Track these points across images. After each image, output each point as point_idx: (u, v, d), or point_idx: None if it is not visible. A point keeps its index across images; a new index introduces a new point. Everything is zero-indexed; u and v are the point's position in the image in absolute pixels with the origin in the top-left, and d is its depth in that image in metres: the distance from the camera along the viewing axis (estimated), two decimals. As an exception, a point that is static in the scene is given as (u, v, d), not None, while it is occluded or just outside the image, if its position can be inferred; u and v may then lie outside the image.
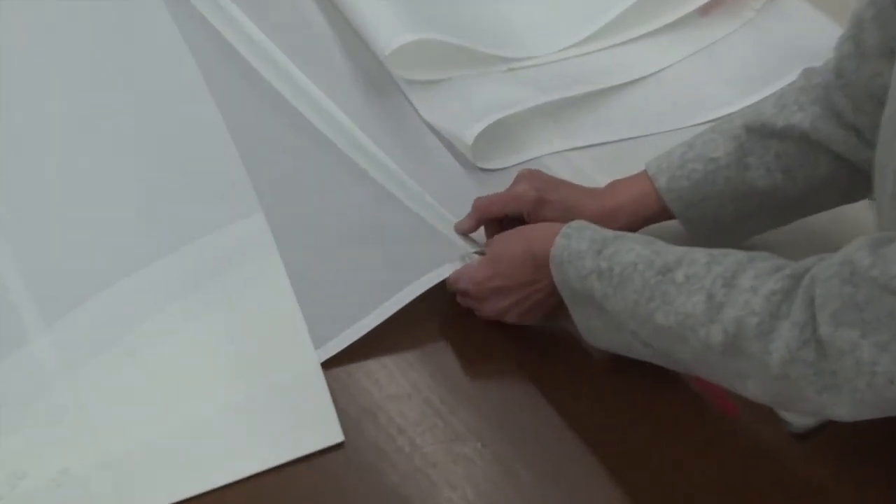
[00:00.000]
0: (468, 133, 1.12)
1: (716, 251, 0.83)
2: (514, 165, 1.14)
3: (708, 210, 0.97)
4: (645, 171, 1.00)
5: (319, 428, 0.91)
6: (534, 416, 0.93)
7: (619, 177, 1.02)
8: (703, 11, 1.28)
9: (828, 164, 0.95)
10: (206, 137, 1.11)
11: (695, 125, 1.17)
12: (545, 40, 1.26)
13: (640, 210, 0.99)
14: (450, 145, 1.16)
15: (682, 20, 1.27)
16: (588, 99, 1.21)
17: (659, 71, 1.24)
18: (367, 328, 0.96)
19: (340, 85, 1.19)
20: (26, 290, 1.00)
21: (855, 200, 0.98)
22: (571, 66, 1.24)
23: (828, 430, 0.91)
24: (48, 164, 1.10)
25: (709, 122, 1.12)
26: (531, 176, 1.02)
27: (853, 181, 0.95)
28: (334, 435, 0.91)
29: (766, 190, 0.96)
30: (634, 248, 0.86)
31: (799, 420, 0.91)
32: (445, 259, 1.00)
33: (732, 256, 0.82)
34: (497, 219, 1.02)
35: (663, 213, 0.99)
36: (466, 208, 1.04)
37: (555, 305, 0.93)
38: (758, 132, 0.96)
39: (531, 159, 1.15)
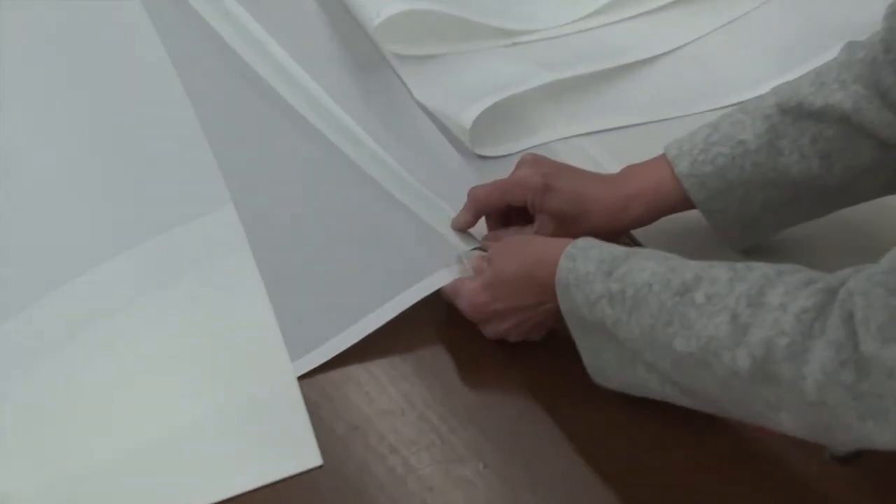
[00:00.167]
0: (465, 116, 1.10)
1: (739, 265, 0.81)
2: (516, 153, 1.11)
3: (733, 199, 0.95)
4: (664, 155, 0.98)
5: (294, 450, 0.88)
6: (541, 435, 0.91)
7: (638, 168, 1.01)
8: (731, -21, 1.29)
9: (870, 151, 0.93)
10: (175, 122, 1.12)
11: (720, 108, 1.14)
12: (552, 12, 1.25)
13: (657, 199, 0.97)
14: (444, 129, 1.14)
15: (706, -11, 1.28)
16: (599, 78, 1.20)
17: (679, 47, 1.24)
18: (347, 343, 0.94)
19: (322, 61, 1.19)
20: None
21: (900, 191, 0.98)
22: (581, 41, 1.24)
23: (874, 454, 0.84)
24: (12, 155, 1.10)
25: (736, 104, 1.07)
26: (535, 161, 1.00)
27: (899, 170, 0.94)
28: (311, 458, 0.88)
29: (800, 178, 0.94)
30: (648, 266, 0.84)
31: (840, 441, 0.87)
32: (441, 263, 0.97)
33: (758, 271, 0.79)
34: (500, 210, 1.00)
35: (683, 203, 0.97)
36: (463, 199, 1.01)
37: (561, 319, 0.91)
38: (792, 113, 0.93)
39: (536, 146, 1.13)
